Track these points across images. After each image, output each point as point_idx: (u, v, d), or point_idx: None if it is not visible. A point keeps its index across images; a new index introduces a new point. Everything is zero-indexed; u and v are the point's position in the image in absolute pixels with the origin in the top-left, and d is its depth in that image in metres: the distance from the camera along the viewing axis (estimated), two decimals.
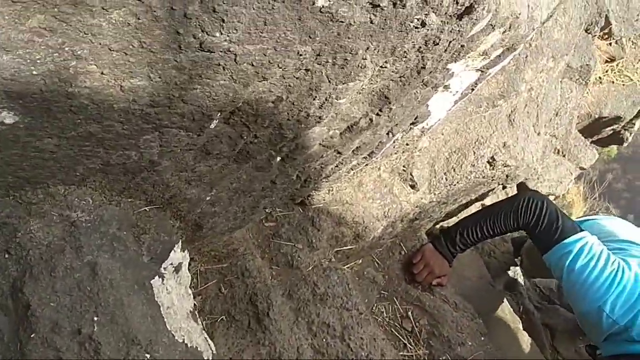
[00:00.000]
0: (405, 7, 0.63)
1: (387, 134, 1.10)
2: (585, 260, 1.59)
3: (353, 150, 1.08)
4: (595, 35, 2.18)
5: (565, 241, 1.64)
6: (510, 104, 1.73)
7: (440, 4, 0.65)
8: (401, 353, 1.71)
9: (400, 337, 1.77)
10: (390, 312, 1.90)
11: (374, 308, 1.88)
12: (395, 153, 1.42)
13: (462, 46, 0.86)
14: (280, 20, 0.55)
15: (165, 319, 0.78)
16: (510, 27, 0.89)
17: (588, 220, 2.01)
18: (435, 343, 1.77)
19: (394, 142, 1.25)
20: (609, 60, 3.52)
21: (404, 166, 1.57)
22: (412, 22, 0.67)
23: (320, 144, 0.98)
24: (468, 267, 2.58)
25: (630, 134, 4.62)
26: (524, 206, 1.75)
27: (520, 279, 3.28)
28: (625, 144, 4.73)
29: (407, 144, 1.39)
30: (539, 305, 3.08)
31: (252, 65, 0.60)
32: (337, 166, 1.14)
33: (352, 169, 1.21)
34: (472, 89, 1.27)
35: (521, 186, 2.53)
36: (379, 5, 0.61)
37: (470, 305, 2.08)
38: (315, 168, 1.09)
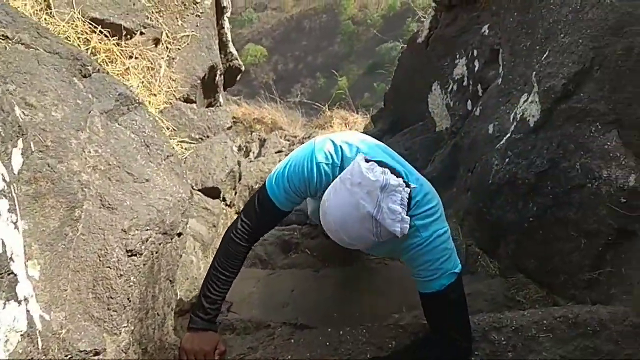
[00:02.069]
0: None
1: None
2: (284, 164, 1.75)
3: None
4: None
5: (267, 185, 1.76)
6: (86, 208, 1.58)
7: None
8: None
9: None
10: None
11: None
12: None
13: None
14: None
15: None
16: None
17: None
18: None
19: None
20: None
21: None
22: None
23: None
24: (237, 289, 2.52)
25: (237, 59, 5.01)
26: (235, 228, 1.80)
27: None
28: (242, 67, 5.13)
29: None
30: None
31: None
32: None
33: None
34: None
35: None
36: None
37: (261, 331, 2.05)
38: None
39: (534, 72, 2.25)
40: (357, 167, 1.40)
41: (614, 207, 1.86)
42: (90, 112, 1.84)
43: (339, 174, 1.56)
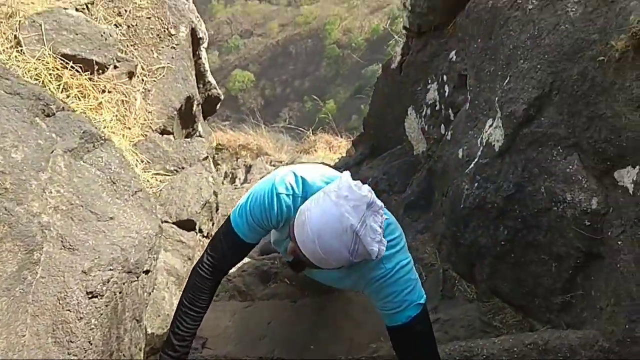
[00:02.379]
0: None
1: None
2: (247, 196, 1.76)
3: None
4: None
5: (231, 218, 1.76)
6: (46, 250, 1.56)
7: None
8: None
9: None
10: None
11: None
12: None
13: None
14: None
15: None
16: None
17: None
18: None
19: None
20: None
21: None
22: None
23: None
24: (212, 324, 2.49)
25: (216, 88, 5.04)
26: (202, 262, 1.78)
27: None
28: (222, 96, 5.17)
29: None
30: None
31: None
32: None
33: None
34: None
35: None
36: None
37: None
38: None
39: (497, 98, 2.28)
40: (345, 182, 1.42)
41: (580, 230, 1.87)
42: (52, 151, 1.83)
43: (301, 204, 1.56)
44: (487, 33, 2.48)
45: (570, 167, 1.91)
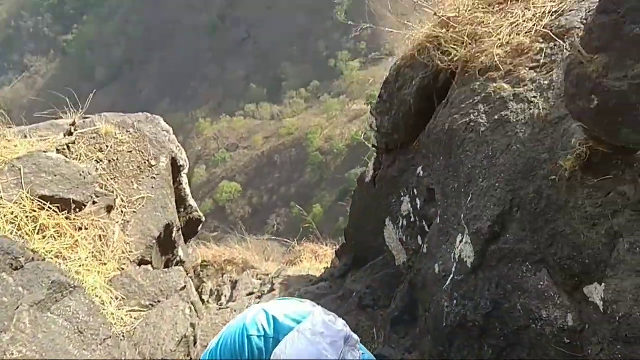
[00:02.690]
0: None
1: None
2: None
3: None
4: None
5: None
6: None
7: None
8: None
9: None
10: None
11: None
12: None
13: None
14: None
15: None
16: None
17: None
18: None
19: None
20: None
21: None
22: None
23: None
24: None
25: (197, 211, 5.11)
26: None
27: None
28: (202, 218, 5.23)
29: None
30: None
31: None
32: None
33: None
34: None
35: None
36: None
37: None
38: None
39: (463, 214, 2.35)
40: (319, 318, 1.39)
41: (560, 349, 1.82)
42: (17, 307, 1.79)
43: (273, 347, 1.51)
44: (447, 152, 2.62)
45: (541, 283, 1.91)
